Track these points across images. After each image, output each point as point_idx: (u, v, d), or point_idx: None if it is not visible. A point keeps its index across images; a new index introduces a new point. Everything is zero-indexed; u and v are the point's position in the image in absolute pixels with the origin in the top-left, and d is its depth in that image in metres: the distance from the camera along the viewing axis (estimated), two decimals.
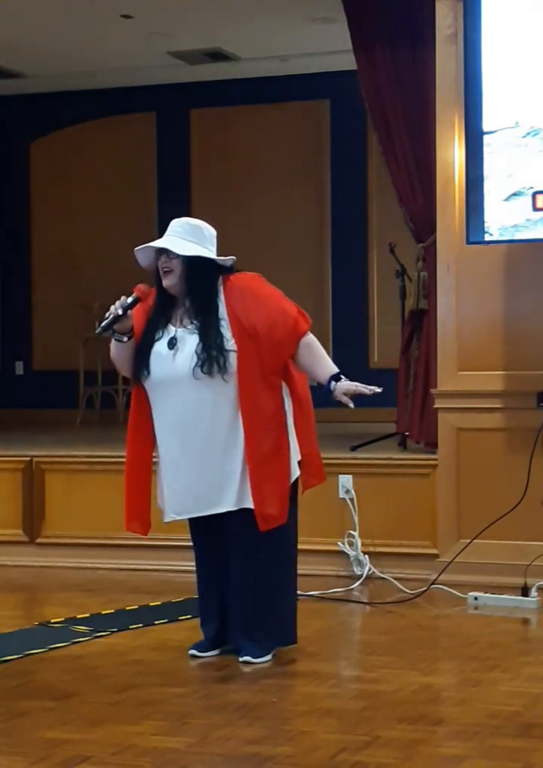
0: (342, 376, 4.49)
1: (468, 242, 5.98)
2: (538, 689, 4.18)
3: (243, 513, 4.45)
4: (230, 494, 4.46)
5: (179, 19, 8.64)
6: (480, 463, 6.08)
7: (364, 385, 4.47)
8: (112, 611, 5.54)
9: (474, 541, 5.86)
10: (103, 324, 4.51)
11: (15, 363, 10.94)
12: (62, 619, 5.35)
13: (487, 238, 5.88)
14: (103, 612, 5.51)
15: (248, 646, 4.54)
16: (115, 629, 5.16)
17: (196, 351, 4.41)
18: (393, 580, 6.01)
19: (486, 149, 5.84)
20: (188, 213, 10.43)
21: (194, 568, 4.77)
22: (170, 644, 4.89)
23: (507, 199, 5.81)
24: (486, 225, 5.85)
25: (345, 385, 4.47)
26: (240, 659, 4.54)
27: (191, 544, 4.76)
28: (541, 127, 5.76)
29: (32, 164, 10.92)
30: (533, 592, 5.59)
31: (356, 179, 10.06)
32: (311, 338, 4.54)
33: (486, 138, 5.85)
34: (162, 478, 4.60)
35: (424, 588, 5.79)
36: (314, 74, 9.88)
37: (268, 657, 4.56)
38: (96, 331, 4.58)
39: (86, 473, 6.86)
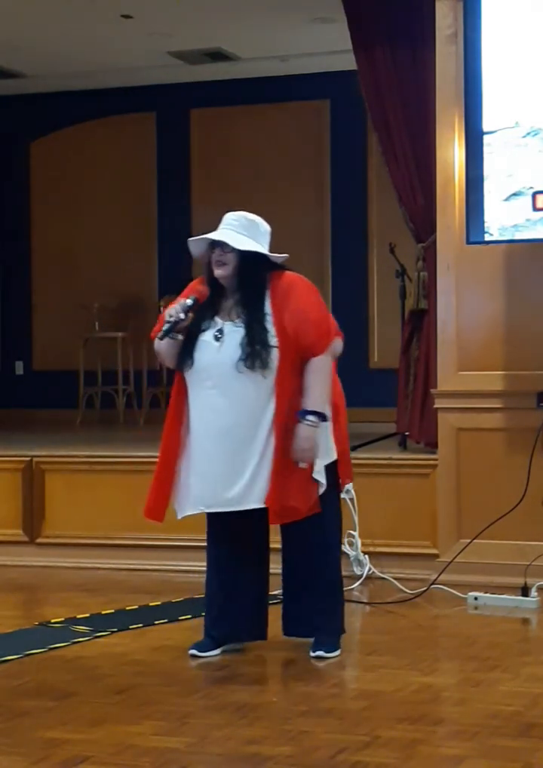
0: (309, 419, 4.41)
1: (468, 242, 5.99)
2: (538, 689, 4.18)
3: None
4: (265, 490, 4.46)
5: (179, 19, 8.64)
6: (480, 463, 6.09)
7: (300, 458, 4.42)
8: (112, 611, 5.54)
9: (474, 541, 5.86)
10: (165, 328, 4.50)
11: (15, 363, 10.94)
12: (62, 619, 5.35)
13: (487, 238, 5.88)
14: (103, 612, 5.51)
15: (320, 642, 4.60)
16: (115, 629, 5.16)
17: (241, 345, 4.44)
18: (393, 580, 6.01)
19: (486, 149, 5.84)
20: (188, 213, 10.56)
21: (208, 567, 4.72)
22: (170, 644, 4.89)
23: (507, 199, 5.81)
24: (486, 225, 5.85)
25: (298, 435, 4.42)
26: (313, 654, 4.58)
27: (209, 542, 4.71)
28: (541, 127, 5.76)
29: (32, 164, 10.92)
30: (533, 592, 5.59)
31: (356, 179, 10.06)
32: (323, 362, 4.49)
33: (486, 138, 5.85)
34: (190, 470, 4.56)
35: (425, 588, 5.79)
36: (314, 74, 9.88)
37: (339, 651, 4.63)
38: (159, 336, 4.54)
39: (86, 473, 6.86)
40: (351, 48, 6.87)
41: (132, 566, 6.57)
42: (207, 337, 4.51)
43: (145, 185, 10.65)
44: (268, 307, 4.49)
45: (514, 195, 5.79)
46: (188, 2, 8.25)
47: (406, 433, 6.81)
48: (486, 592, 5.66)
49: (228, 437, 4.46)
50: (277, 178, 10.11)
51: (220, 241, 4.53)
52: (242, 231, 4.55)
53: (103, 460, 6.87)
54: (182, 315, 4.50)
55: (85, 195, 10.72)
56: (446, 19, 6.16)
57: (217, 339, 4.49)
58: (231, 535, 4.63)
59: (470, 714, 3.90)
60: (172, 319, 4.50)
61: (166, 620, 5.34)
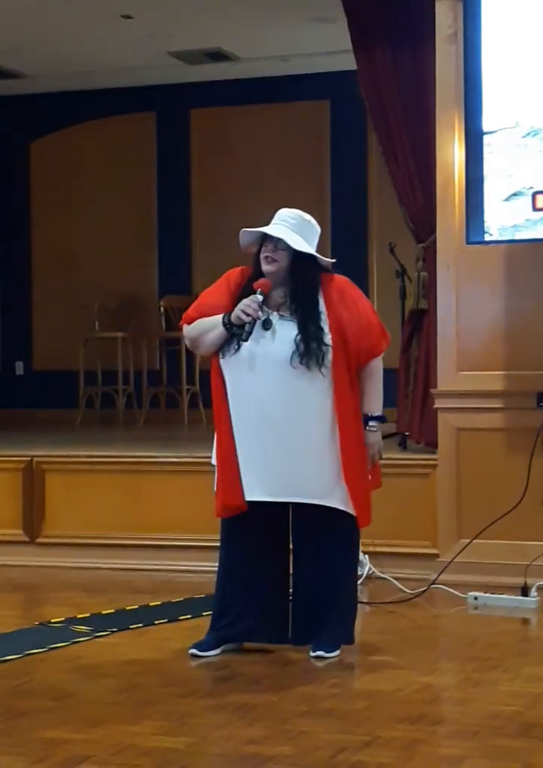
0: (372, 424, 4.60)
1: (468, 242, 5.99)
2: (538, 689, 4.18)
3: (326, 510, 4.51)
4: (324, 487, 4.50)
5: (179, 19, 8.64)
6: (480, 463, 6.09)
7: (371, 462, 4.62)
8: (112, 611, 5.54)
9: (474, 541, 5.86)
10: (248, 328, 4.46)
11: (15, 363, 10.95)
12: (63, 619, 5.36)
13: (487, 238, 5.88)
14: (103, 612, 5.52)
15: (321, 642, 4.61)
16: (115, 629, 5.17)
17: (295, 340, 4.46)
18: (393, 580, 6.01)
19: (486, 149, 5.84)
20: (188, 213, 10.55)
21: (221, 566, 4.71)
22: (170, 644, 4.89)
23: (507, 199, 5.81)
24: (485, 225, 5.85)
25: (369, 441, 4.59)
26: (313, 655, 4.59)
27: (226, 542, 4.69)
28: (540, 127, 5.76)
29: (32, 163, 10.92)
30: (533, 592, 5.59)
31: (356, 179, 10.06)
32: (379, 364, 4.62)
33: (485, 138, 5.85)
34: (240, 459, 4.53)
35: (425, 588, 5.79)
36: (314, 74, 9.88)
37: (338, 651, 4.63)
38: (243, 338, 4.47)
39: (86, 473, 6.86)
40: (351, 48, 6.87)
41: (132, 566, 6.57)
42: (251, 330, 4.50)
43: (145, 185, 10.66)
44: (322, 306, 4.53)
45: (514, 195, 5.80)
46: (188, 2, 8.25)
47: (406, 433, 6.81)
48: (486, 592, 5.66)
49: (282, 428, 4.47)
50: (277, 178, 10.12)
51: (273, 237, 4.52)
52: (296, 230, 4.56)
53: (103, 460, 6.87)
54: (260, 313, 4.48)
55: (85, 195, 10.72)
56: (446, 19, 6.16)
57: (266, 328, 4.50)
58: (254, 533, 4.61)
59: (471, 714, 3.91)
60: (250, 317, 4.45)
61: (166, 620, 5.34)
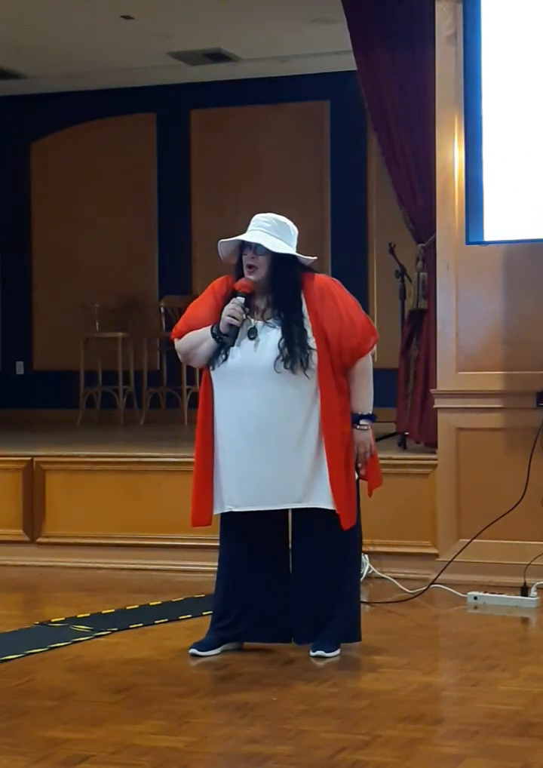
0: (362, 423, 4.57)
1: (468, 242, 5.99)
2: (537, 689, 4.19)
3: (324, 510, 4.50)
4: (299, 490, 4.50)
5: (180, 19, 8.65)
6: (479, 463, 6.09)
7: (361, 461, 4.60)
8: (113, 610, 5.55)
9: (474, 540, 5.87)
10: (232, 331, 4.48)
11: (16, 363, 10.95)
12: (63, 619, 5.36)
13: (486, 238, 5.88)
14: (104, 611, 5.52)
15: (321, 641, 4.61)
16: (116, 629, 5.17)
17: (279, 346, 4.45)
18: (393, 580, 6.02)
19: (485, 150, 5.84)
20: (188, 213, 10.55)
21: (220, 567, 4.73)
22: (170, 644, 4.90)
23: (506, 199, 5.81)
24: (485, 225, 5.85)
25: (354, 440, 4.56)
26: (313, 654, 4.59)
27: (225, 543, 4.71)
28: (540, 127, 5.76)
29: (33, 164, 10.92)
30: (532, 592, 5.60)
31: (356, 180, 10.06)
32: (367, 363, 4.58)
33: (485, 138, 5.84)
34: (228, 469, 4.56)
35: (424, 588, 5.80)
36: (313, 75, 9.89)
37: (338, 651, 4.64)
38: (229, 343, 4.49)
39: (86, 473, 6.87)
40: (350, 49, 6.87)
41: (132, 566, 6.58)
42: (240, 335, 4.51)
43: (145, 185, 10.66)
44: (304, 308, 4.51)
45: (514, 194, 5.79)
46: (188, 3, 8.26)
47: (406, 433, 6.81)
48: (485, 592, 5.67)
49: (269, 436, 4.47)
50: (276, 178, 10.12)
51: (252, 244, 4.51)
52: (274, 233, 4.54)
53: (104, 460, 6.87)
54: (244, 316, 4.50)
55: (85, 195, 10.72)
56: (445, 19, 6.17)
57: (251, 337, 4.50)
58: (253, 533, 4.62)
59: (470, 714, 3.91)
60: (237, 322, 4.47)
61: (166, 620, 5.35)
